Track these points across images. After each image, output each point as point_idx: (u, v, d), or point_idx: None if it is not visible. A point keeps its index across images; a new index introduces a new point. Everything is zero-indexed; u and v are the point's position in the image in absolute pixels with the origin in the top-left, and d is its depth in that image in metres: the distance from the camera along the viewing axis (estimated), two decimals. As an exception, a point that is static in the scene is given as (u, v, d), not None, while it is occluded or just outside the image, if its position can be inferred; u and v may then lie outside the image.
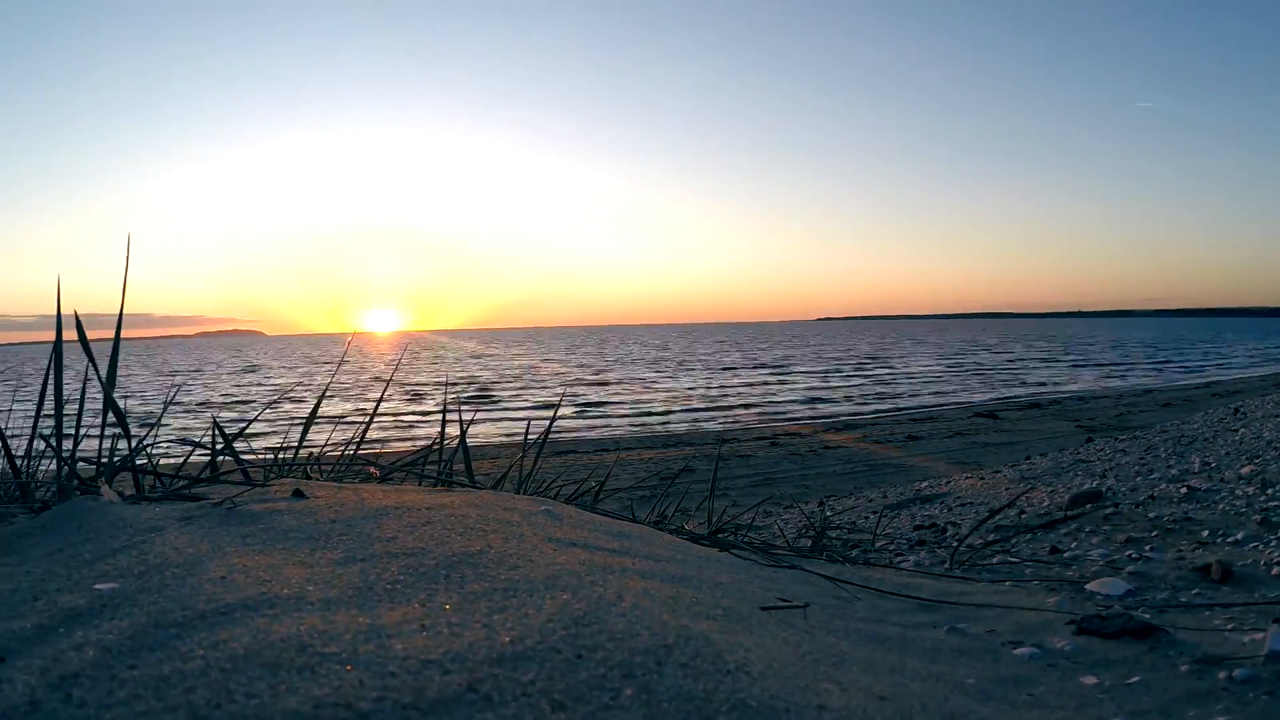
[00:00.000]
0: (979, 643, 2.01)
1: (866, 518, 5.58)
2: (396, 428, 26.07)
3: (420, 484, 3.14)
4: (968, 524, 4.39)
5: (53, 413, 3.10)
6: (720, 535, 3.27)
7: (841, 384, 36.88)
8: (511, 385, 41.23)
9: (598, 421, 26.08)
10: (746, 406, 29.00)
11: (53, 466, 3.21)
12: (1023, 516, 4.22)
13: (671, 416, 26.73)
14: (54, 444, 3.04)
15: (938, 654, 1.88)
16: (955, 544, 3.75)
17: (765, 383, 38.00)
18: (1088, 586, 2.71)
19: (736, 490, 11.47)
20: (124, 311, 3.14)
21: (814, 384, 37.15)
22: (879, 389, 34.40)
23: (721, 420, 25.20)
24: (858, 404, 28.93)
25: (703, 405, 29.62)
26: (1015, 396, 29.18)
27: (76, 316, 3.05)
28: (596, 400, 32.10)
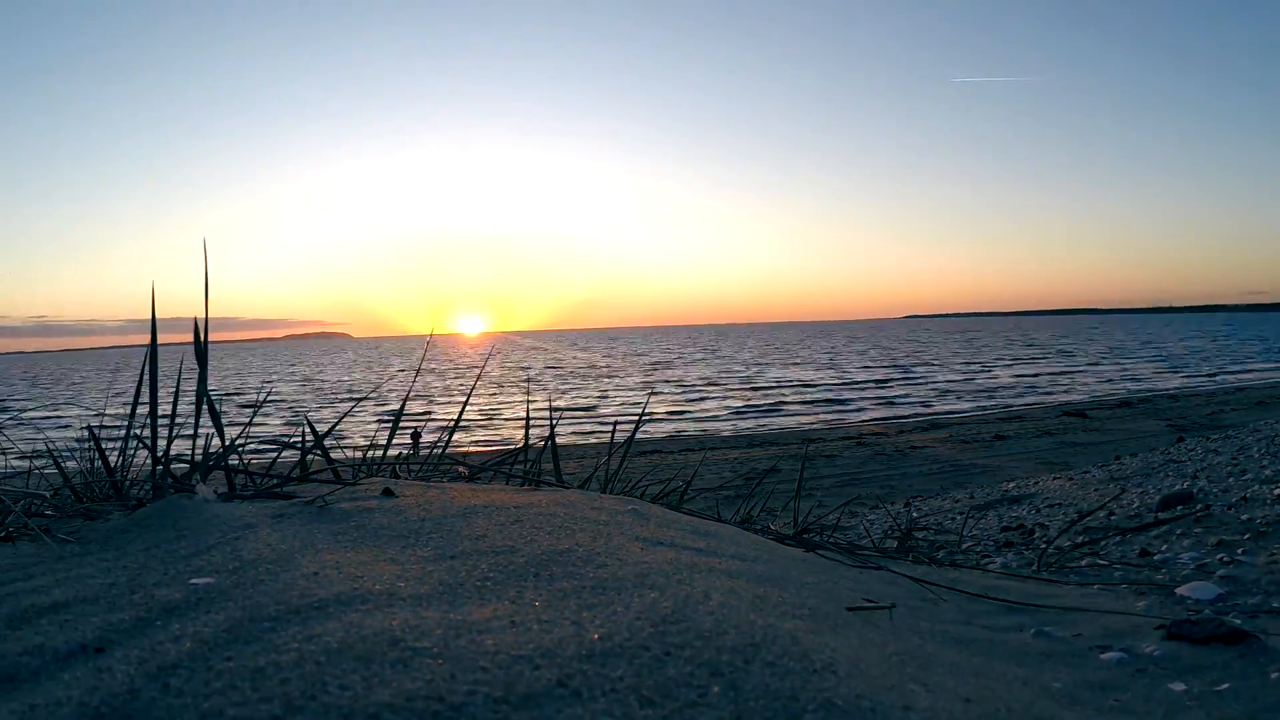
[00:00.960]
0: (1066, 646, 1.99)
1: (953, 518, 5.55)
2: (483, 428, 26.20)
3: (508, 483, 3.16)
4: (1055, 526, 4.36)
5: (147, 413, 3.16)
6: (806, 535, 3.27)
7: (926, 382, 36.58)
8: (595, 385, 41.32)
9: (683, 421, 26.05)
10: (831, 405, 28.86)
11: (146, 465, 3.26)
12: (1112, 518, 4.18)
13: (755, 416, 26.63)
14: (149, 443, 3.09)
15: (1024, 657, 1.87)
16: (1043, 546, 3.72)
17: (850, 381, 37.75)
18: (1177, 590, 2.67)
19: (822, 490, 11.43)
20: (211, 315, 3.19)
21: (899, 382, 36.88)
22: (965, 387, 34.07)
23: (807, 420, 25.08)
24: (944, 403, 28.69)
25: (787, 404, 29.49)
26: (1105, 395, 28.80)
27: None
28: (681, 400, 32.08)
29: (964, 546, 3.98)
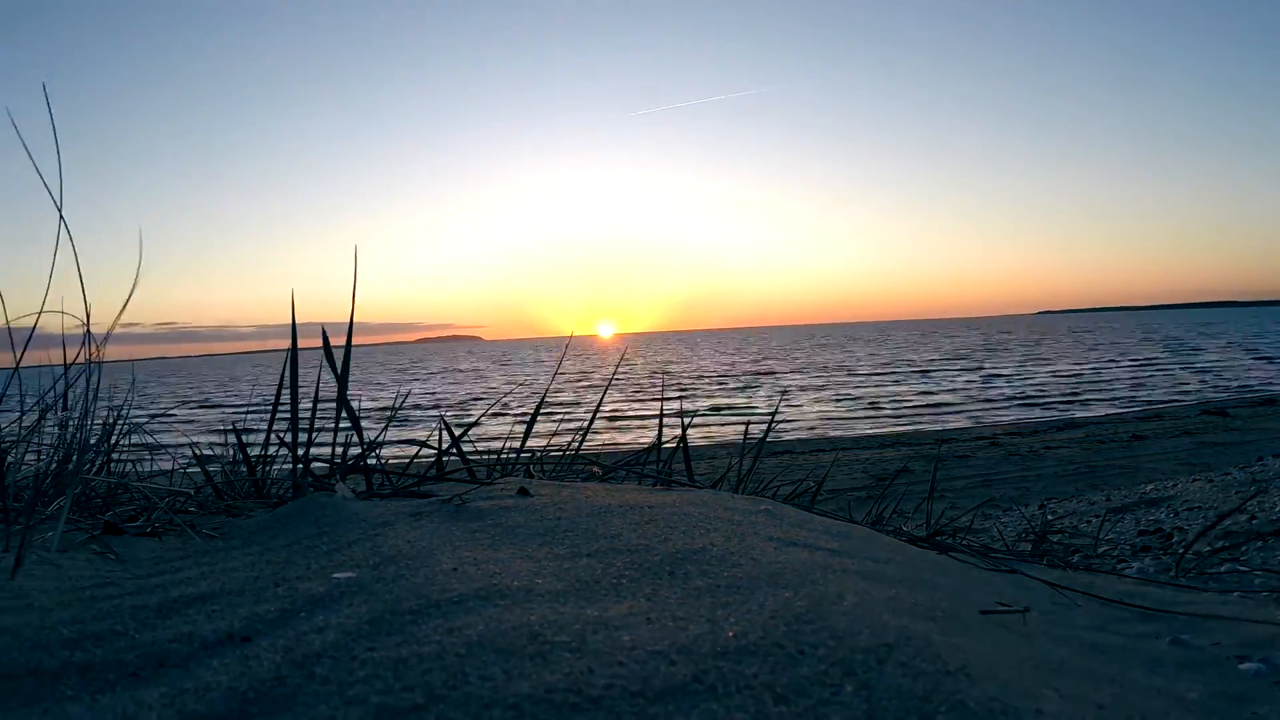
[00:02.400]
0: (1203, 656, 1.95)
1: (1088, 521, 5.46)
2: (615, 429, 26.27)
3: (640, 483, 3.18)
4: (1194, 529, 4.27)
5: (288, 414, 3.22)
6: (939, 537, 3.25)
7: (1060, 380, 35.97)
8: (725, 385, 41.23)
9: (813, 421, 25.90)
10: (963, 405, 28.52)
11: (286, 465, 3.34)
12: (1253, 522, 4.09)
13: (886, 416, 26.42)
14: (289, 443, 3.15)
15: (1160, 665, 1.84)
16: (1180, 550, 3.66)
17: (982, 381, 37.25)
18: (1323, 598, 2.61)
19: (954, 492, 11.30)
20: (345, 319, 3.24)
21: (1032, 380, 36.30)
22: (1100, 385, 33.47)
23: (939, 420, 24.81)
24: (1080, 401, 28.18)
25: (917, 404, 29.22)
26: (1247, 392, 28.13)
27: (324, 331, 3.17)
28: (810, 399, 31.90)
29: (1099, 550, 3.93)
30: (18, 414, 3.23)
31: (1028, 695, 1.27)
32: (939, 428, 22.75)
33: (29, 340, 2.99)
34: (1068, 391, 31.46)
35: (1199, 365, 41.03)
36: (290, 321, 3.20)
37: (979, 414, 26.03)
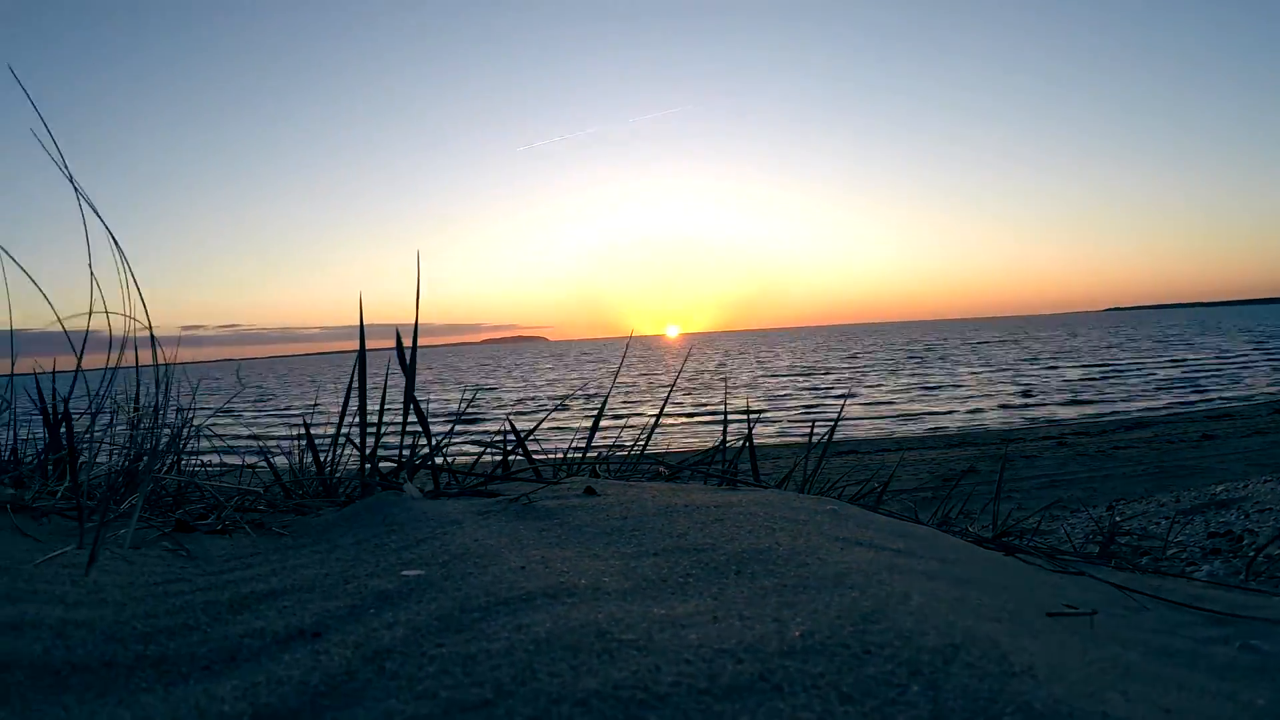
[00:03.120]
0: (1274, 662, 1.93)
1: (1157, 523, 5.41)
2: (680, 429, 26.26)
3: (705, 483, 3.18)
4: (1266, 532, 4.23)
5: (355, 414, 3.25)
6: (1005, 538, 3.23)
7: (1129, 378, 35.60)
8: (789, 384, 41.14)
9: (878, 420, 25.79)
10: (1030, 403, 28.29)
11: (353, 464, 3.36)
12: (1328, 524, 4.06)
13: (952, 415, 26.25)
14: (357, 443, 3.18)
15: (1229, 671, 1.82)
16: (1252, 554, 3.62)
17: (1047, 379, 36.91)
18: (1399, 603, 2.58)
19: (1021, 493, 11.21)
20: (411, 320, 3.27)
21: (1101, 379, 35.93)
22: (1170, 383, 33.10)
23: (1005, 419, 24.62)
24: (1149, 400, 27.86)
25: (983, 403, 29.01)
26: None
27: (399, 333, 3.20)
28: (874, 398, 31.77)
29: (1168, 553, 3.89)
30: (89, 415, 3.27)
31: (1093, 698, 1.27)
32: (1005, 427, 22.57)
33: (85, 341, 3.03)
34: (1135, 390, 31.14)
35: (1275, 361, 40.46)
36: (358, 323, 3.23)
37: (1046, 413, 25.78)
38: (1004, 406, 28.28)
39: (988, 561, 2.45)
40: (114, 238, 2.92)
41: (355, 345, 3.24)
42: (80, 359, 3.06)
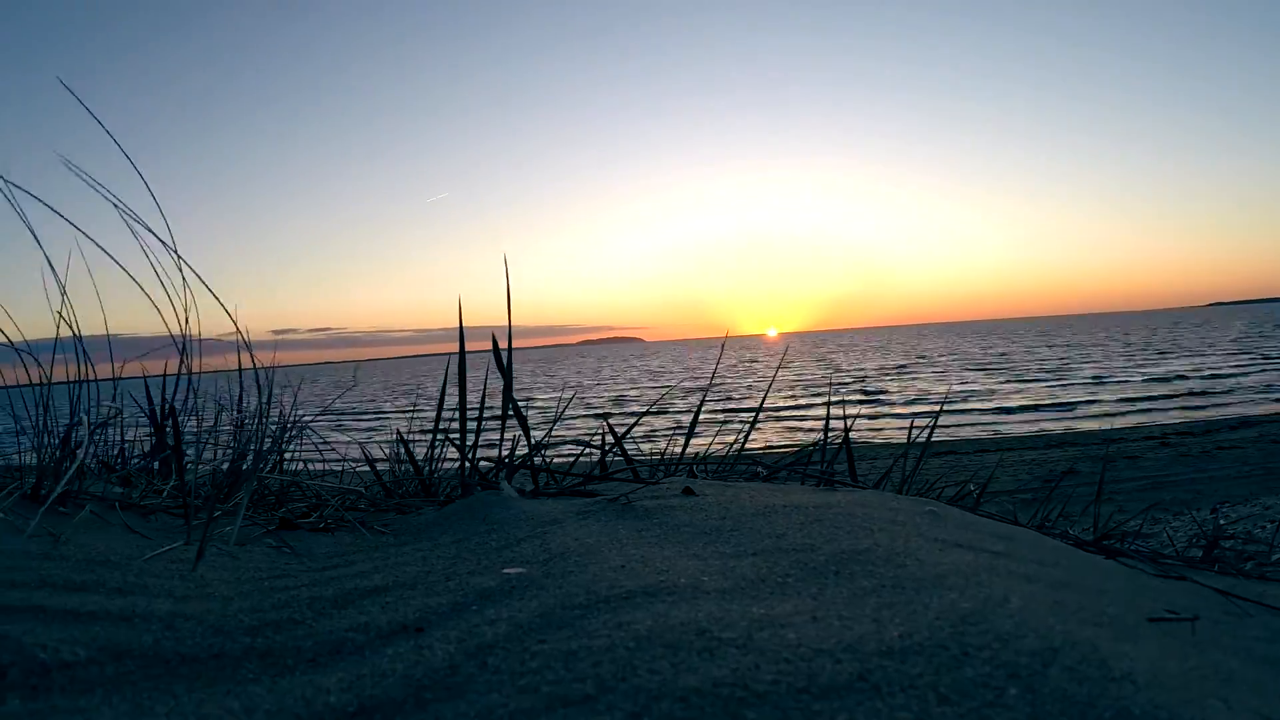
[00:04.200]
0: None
1: (1262, 527, 5.33)
2: (778, 429, 26.18)
3: (803, 483, 3.18)
4: (1378, 535, 4.16)
5: (453, 415, 3.29)
6: (1106, 541, 3.20)
7: (1232, 376, 34.90)
8: (886, 384, 40.85)
9: (977, 420, 25.53)
10: (1131, 402, 27.86)
11: (450, 465, 3.40)
12: None
13: (1052, 415, 25.93)
14: (457, 443, 3.21)
15: (1337, 679, 1.80)
16: (1363, 560, 3.56)
17: (1150, 376, 36.28)
18: None
19: (1123, 494, 11.06)
20: (492, 323, 3.30)
21: (1202, 375, 35.27)
22: (1277, 380, 32.41)
23: (1107, 418, 24.26)
24: (1255, 398, 27.30)
25: (1084, 402, 28.61)
26: None
27: (495, 337, 3.23)
28: (975, 398, 31.45)
29: (1274, 558, 3.83)
30: (195, 416, 3.33)
31: (1193, 705, 1.26)
32: (1108, 427, 22.24)
33: (183, 344, 3.09)
34: (1242, 386, 30.55)
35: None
36: (453, 326, 3.26)
37: (1148, 411, 25.36)
38: (1104, 401, 27.83)
39: (1088, 565, 2.42)
40: (173, 255, 2.97)
41: (447, 348, 3.28)
42: (184, 363, 3.11)
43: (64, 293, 2.92)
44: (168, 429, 3.26)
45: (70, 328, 2.96)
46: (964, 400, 31.52)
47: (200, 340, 3.06)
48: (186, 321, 3.02)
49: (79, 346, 3.02)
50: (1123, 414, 25.38)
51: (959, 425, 24.56)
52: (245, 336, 3.20)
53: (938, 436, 20.11)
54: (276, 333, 3.20)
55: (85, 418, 2.93)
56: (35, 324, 2.94)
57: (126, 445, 3.45)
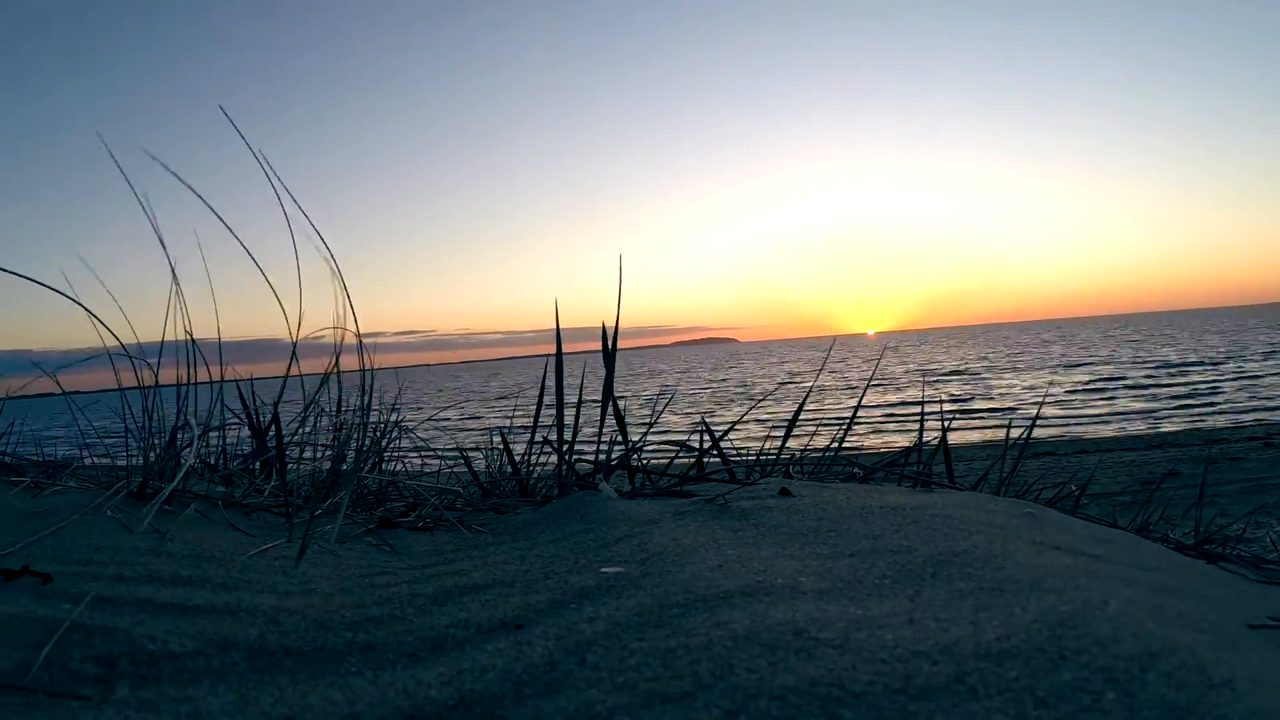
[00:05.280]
0: None
1: (1372, 533, 5.23)
2: (874, 429, 26.03)
3: (900, 484, 3.17)
4: None
5: (551, 416, 3.31)
6: (1207, 546, 3.16)
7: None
8: (984, 384, 40.44)
9: (1077, 420, 25.17)
10: (1239, 402, 27.29)
11: (547, 465, 3.42)
12: None
13: (1155, 414, 25.50)
14: (554, 444, 3.24)
15: None
16: None
17: (1259, 374, 35.48)
18: None
19: (1225, 497, 10.86)
20: (600, 323, 3.31)
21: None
22: None
23: (1210, 419, 23.82)
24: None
25: (1190, 401, 28.09)
26: None
27: (614, 337, 3.25)
28: (1072, 398, 31.02)
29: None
30: (295, 418, 3.39)
31: (1294, 714, 1.24)
32: (1211, 427, 21.84)
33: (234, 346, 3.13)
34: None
35: None
36: (543, 327, 3.29)
37: (1258, 412, 24.82)
38: (1210, 400, 27.28)
39: (1188, 569, 2.40)
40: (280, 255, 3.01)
41: (536, 350, 3.31)
42: (292, 364, 3.16)
43: (181, 298, 2.97)
44: (269, 431, 3.32)
45: (186, 332, 3.02)
46: (1064, 399, 31.11)
47: (297, 343, 3.11)
48: (299, 324, 3.06)
49: (191, 350, 3.07)
50: (1224, 413, 24.90)
51: (1058, 425, 24.25)
52: (360, 340, 3.25)
53: (1037, 436, 19.89)
54: (364, 336, 3.24)
55: (191, 420, 2.99)
56: (143, 327, 3.00)
57: (228, 446, 3.52)
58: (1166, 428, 22.49)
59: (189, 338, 3.03)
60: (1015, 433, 4.01)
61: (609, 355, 3.23)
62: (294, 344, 3.08)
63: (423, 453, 4.15)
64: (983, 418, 27.46)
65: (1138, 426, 23.32)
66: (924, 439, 3.49)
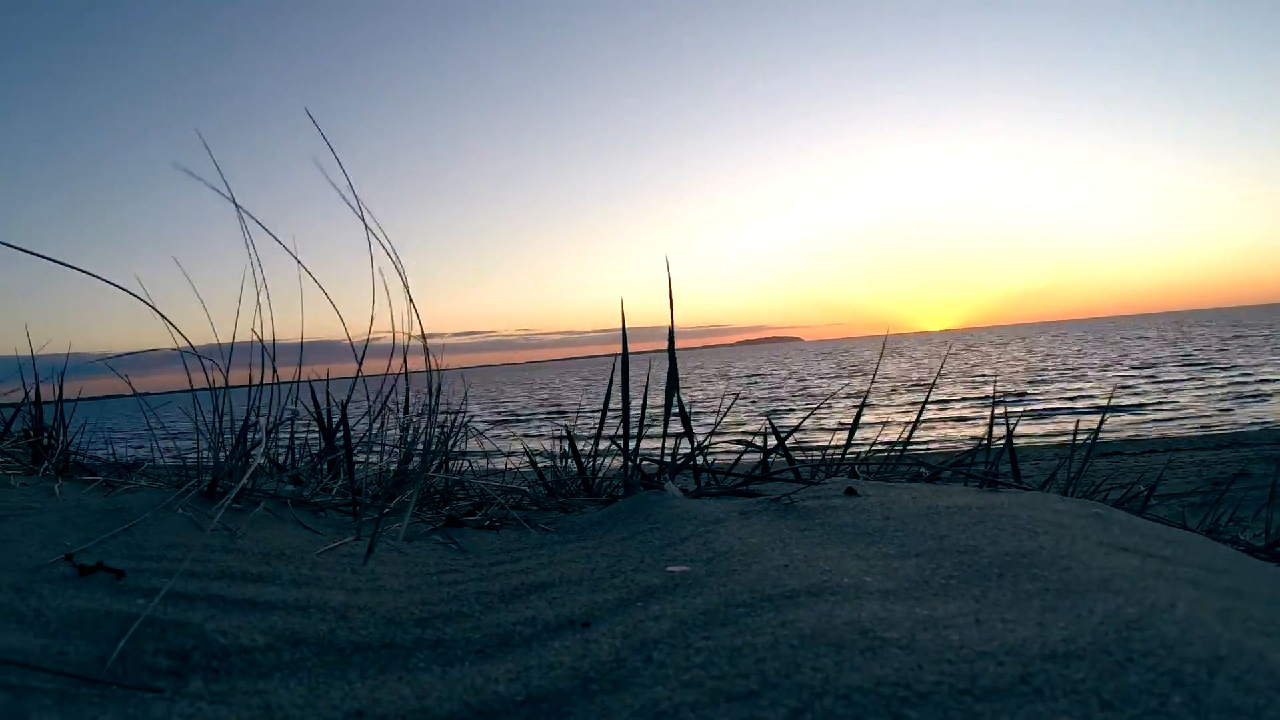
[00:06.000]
0: None
1: None
2: (940, 429, 25.87)
3: (966, 484, 3.16)
4: None
5: (614, 416, 3.32)
6: (1278, 549, 3.14)
7: None
8: (1054, 382, 40.09)
9: (1146, 419, 24.91)
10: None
11: (611, 465, 3.44)
12: None
13: (1225, 413, 25.17)
14: (619, 444, 3.25)
15: None
16: None
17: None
18: None
19: (1297, 498, 10.66)
20: (661, 324, 3.32)
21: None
22: None
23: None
24: None
25: (1261, 399, 27.71)
26: None
27: (671, 338, 3.25)
28: (1143, 397, 30.68)
29: None
30: (362, 417, 3.42)
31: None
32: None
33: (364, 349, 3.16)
34: None
35: None
36: (617, 328, 3.29)
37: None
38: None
39: (1258, 572, 2.38)
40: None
41: (597, 350, 3.34)
42: (360, 367, 3.19)
43: (258, 301, 3.00)
44: (337, 431, 3.35)
45: (257, 334, 3.05)
46: (1133, 397, 30.78)
47: (366, 344, 3.13)
48: (371, 325, 3.09)
49: (264, 351, 3.11)
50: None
51: (1126, 424, 24.00)
52: (424, 339, 3.27)
53: (1104, 436, 19.64)
54: (425, 337, 3.26)
55: (260, 419, 3.03)
56: (204, 327, 3.03)
57: (296, 445, 3.56)
58: (1237, 427, 22.20)
59: (258, 338, 3.06)
60: (1083, 432, 3.97)
61: (672, 355, 3.24)
62: (364, 345, 3.11)
63: (488, 452, 4.18)
64: (1050, 417, 27.23)
65: (1207, 425, 23.04)
66: (990, 438, 3.48)
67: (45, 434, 3.86)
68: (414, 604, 1.85)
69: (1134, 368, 46.04)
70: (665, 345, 3.25)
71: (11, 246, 2.29)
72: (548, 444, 4.02)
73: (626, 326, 3.21)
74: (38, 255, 2.34)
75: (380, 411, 3.46)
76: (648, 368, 3.51)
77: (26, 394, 3.93)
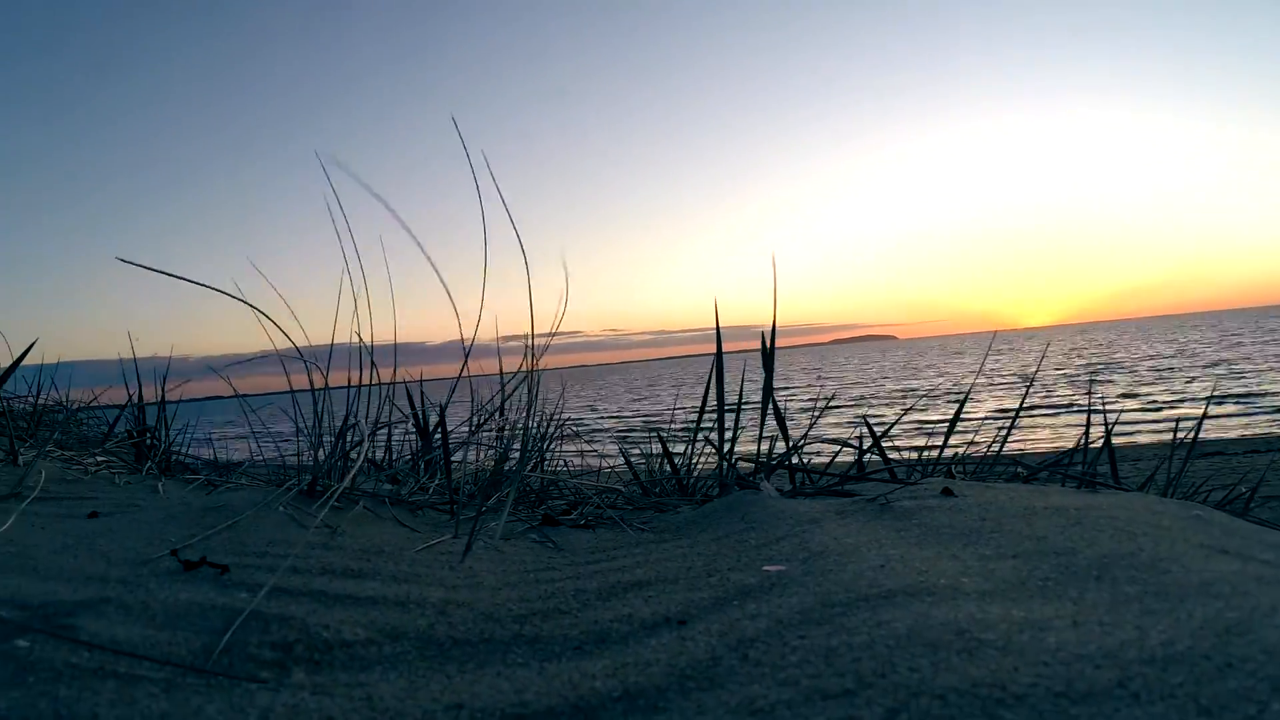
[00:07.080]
0: None
1: None
2: (1038, 429, 25.60)
3: (1063, 484, 3.14)
4: None
5: (710, 416, 3.33)
6: (1386, 554, 3.08)
7: None
8: (1156, 381, 39.48)
9: (1250, 418, 24.45)
10: None
11: (705, 464, 3.45)
12: None
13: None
14: (714, 443, 3.26)
15: None
16: None
17: None
18: None
19: None
20: (755, 324, 3.32)
21: None
22: None
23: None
24: None
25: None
26: None
27: (771, 338, 3.25)
28: (1250, 393, 30.11)
29: None
30: (463, 419, 3.45)
31: None
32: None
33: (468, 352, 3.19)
34: None
35: None
36: (711, 327, 3.30)
37: None
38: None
39: (1364, 577, 2.35)
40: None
41: (687, 350, 3.35)
42: (464, 367, 3.22)
43: (355, 303, 3.04)
44: (435, 431, 3.39)
45: (358, 336, 3.09)
46: (1236, 396, 30.25)
47: (470, 346, 3.16)
48: (477, 327, 3.12)
49: (363, 353, 3.14)
50: None
51: (1230, 423, 23.59)
52: (531, 344, 3.30)
53: (1206, 435, 19.26)
54: (503, 339, 3.28)
55: (360, 420, 3.07)
56: (313, 330, 3.07)
57: (394, 445, 3.60)
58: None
59: (359, 340, 3.10)
60: (1184, 431, 3.92)
61: (768, 356, 3.24)
62: (468, 348, 3.14)
63: (583, 451, 4.20)
64: (1150, 416, 26.83)
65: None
66: (1089, 438, 3.45)
67: (148, 434, 3.94)
68: (511, 600, 1.88)
69: (1242, 360, 45.13)
70: (758, 344, 3.26)
71: (127, 262, 2.34)
72: (643, 444, 4.04)
73: (696, 328, 3.22)
74: (154, 270, 2.39)
75: (478, 413, 3.49)
76: (742, 367, 3.51)
77: (130, 396, 4.02)
